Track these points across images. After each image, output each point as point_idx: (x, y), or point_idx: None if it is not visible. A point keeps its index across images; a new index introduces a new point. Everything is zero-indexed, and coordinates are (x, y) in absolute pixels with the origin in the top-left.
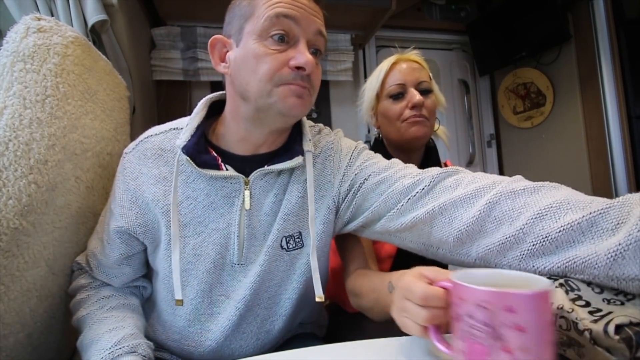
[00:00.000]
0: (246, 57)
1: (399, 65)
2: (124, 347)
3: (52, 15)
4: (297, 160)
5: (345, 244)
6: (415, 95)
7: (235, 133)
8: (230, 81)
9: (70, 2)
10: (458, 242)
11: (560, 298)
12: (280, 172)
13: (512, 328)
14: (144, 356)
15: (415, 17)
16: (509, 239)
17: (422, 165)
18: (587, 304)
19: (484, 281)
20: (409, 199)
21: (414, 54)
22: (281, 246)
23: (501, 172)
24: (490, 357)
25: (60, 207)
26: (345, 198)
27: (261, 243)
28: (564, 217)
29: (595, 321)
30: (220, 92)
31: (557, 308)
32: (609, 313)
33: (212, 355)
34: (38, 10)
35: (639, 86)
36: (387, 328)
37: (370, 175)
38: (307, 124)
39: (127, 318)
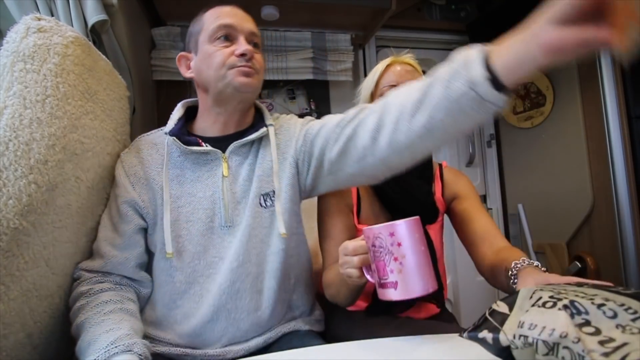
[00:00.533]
0: (204, 57)
1: (392, 67)
2: (119, 346)
3: (52, 15)
4: (262, 131)
5: (324, 246)
6: None
7: (207, 119)
8: (197, 82)
9: (70, 2)
10: (373, 139)
11: (564, 324)
12: (251, 145)
13: (395, 245)
14: (139, 355)
15: (415, 17)
16: (398, 116)
17: (419, 166)
18: (597, 332)
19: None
20: (340, 126)
21: (408, 57)
22: (260, 204)
23: (501, 172)
24: (388, 266)
25: (60, 207)
26: (300, 151)
27: (243, 206)
28: (423, 85)
29: (607, 354)
30: (194, 99)
31: (560, 336)
32: (624, 345)
33: (211, 315)
34: (38, 10)
35: (639, 86)
36: (386, 325)
37: (314, 126)
38: (266, 110)
39: (124, 321)
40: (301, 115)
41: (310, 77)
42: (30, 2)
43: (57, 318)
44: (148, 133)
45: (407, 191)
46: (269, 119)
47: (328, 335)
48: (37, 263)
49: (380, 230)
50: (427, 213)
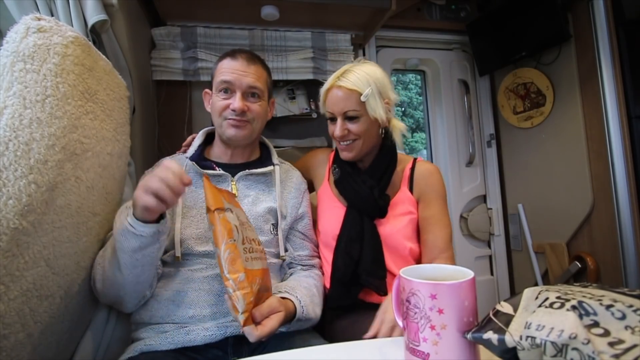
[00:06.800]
0: (212, 102)
1: (330, 93)
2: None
3: (52, 15)
4: (269, 168)
5: None
6: (335, 130)
7: (219, 149)
8: (211, 112)
9: (70, 2)
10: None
11: (572, 325)
12: (258, 176)
13: (436, 310)
14: None
15: (415, 17)
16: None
17: (373, 166)
18: (607, 333)
19: (425, 275)
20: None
21: (344, 77)
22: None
23: (501, 172)
24: (421, 332)
25: (60, 207)
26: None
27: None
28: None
29: (617, 356)
30: (212, 127)
31: (570, 337)
32: (634, 346)
33: (210, 313)
34: (38, 10)
35: (639, 86)
36: (348, 332)
37: (305, 217)
38: (272, 149)
39: None
40: (301, 115)
41: (310, 77)
42: (30, 2)
43: (57, 318)
44: (171, 156)
45: (351, 186)
46: (276, 158)
47: (328, 334)
48: (37, 263)
49: (418, 286)
50: (369, 207)
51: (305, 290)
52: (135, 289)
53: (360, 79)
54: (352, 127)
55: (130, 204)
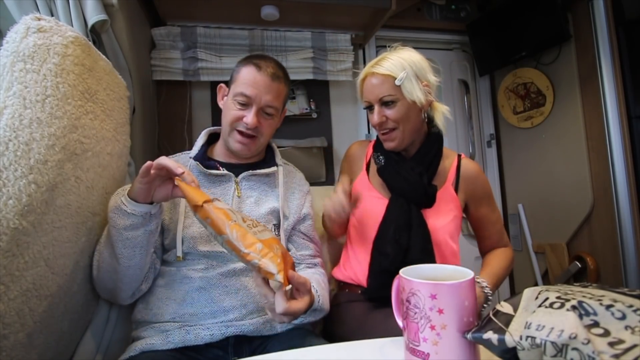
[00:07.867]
0: (226, 104)
1: (366, 82)
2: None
3: (52, 15)
4: (273, 168)
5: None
6: (373, 117)
7: (223, 148)
8: (222, 114)
9: (70, 2)
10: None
11: (573, 325)
12: (261, 177)
13: (436, 310)
14: None
15: (415, 17)
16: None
17: (420, 153)
18: (607, 333)
19: (425, 275)
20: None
21: (378, 64)
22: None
23: (501, 172)
24: (421, 332)
25: (60, 207)
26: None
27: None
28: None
29: (617, 356)
30: (216, 127)
31: (570, 337)
32: (634, 346)
33: (210, 308)
34: (38, 10)
35: (639, 86)
36: (386, 322)
37: (308, 218)
38: (277, 150)
39: None
40: (301, 115)
41: (310, 77)
42: (30, 2)
43: (57, 318)
44: (173, 155)
45: (398, 173)
46: (279, 159)
47: (328, 334)
48: (37, 263)
49: (418, 286)
50: (417, 195)
51: (318, 283)
52: (127, 274)
53: (394, 64)
54: (389, 112)
55: (127, 186)
